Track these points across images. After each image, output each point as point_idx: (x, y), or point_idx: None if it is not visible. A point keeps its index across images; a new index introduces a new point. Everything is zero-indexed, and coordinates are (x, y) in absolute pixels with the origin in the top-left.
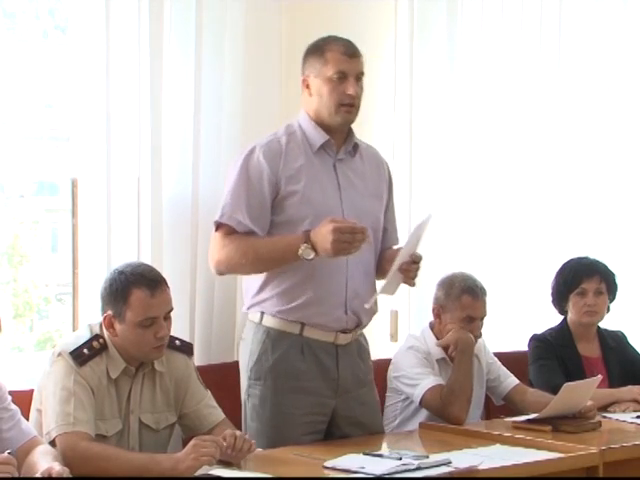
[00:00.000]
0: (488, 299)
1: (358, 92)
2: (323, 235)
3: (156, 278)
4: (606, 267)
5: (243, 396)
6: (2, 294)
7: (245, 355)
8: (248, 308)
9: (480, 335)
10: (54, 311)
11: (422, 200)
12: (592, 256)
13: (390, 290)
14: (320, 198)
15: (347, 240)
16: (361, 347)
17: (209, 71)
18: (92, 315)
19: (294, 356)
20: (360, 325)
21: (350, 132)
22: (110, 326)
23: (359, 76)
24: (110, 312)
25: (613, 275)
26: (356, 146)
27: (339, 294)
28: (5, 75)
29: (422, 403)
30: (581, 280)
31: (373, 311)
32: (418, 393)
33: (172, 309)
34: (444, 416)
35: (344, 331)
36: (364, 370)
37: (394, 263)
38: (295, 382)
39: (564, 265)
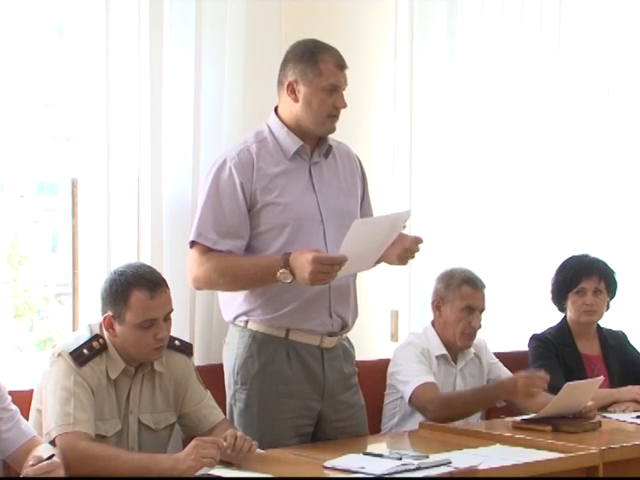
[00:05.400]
0: (488, 299)
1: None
2: (302, 263)
3: (156, 279)
4: (606, 265)
5: (229, 401)
6: (2, 294)
7: (230, 359)
8: (234, 319)
9: (480, 326)
10: (54, 311)
11: (422, 199)
12: (592, 254)
13: (365, 265)
14: (297, 205)
15: (325, 271)
16: (346, 351)
17: (209, 71)
18: (92, 315)
19: (280, 360)
20: (346, 327)
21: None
22: (110, 327)
23: (344, 88)
24: (110, 313)
25: (612, 273)
26: (330, 147)
27: (323, 298)
28: (5, 75)
29: (411, 401)
30: (580, 279)
31: (356, 313)
32: (408, 391)
33: (172, 310)
34: (425, 413)
35: (330, 334)
36: (349, 374)
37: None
38: (282, 386)
39: (564, 263)
